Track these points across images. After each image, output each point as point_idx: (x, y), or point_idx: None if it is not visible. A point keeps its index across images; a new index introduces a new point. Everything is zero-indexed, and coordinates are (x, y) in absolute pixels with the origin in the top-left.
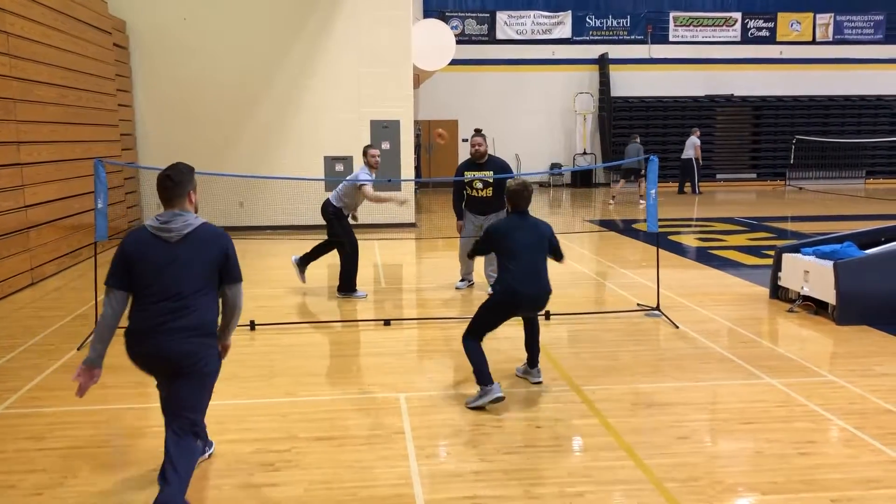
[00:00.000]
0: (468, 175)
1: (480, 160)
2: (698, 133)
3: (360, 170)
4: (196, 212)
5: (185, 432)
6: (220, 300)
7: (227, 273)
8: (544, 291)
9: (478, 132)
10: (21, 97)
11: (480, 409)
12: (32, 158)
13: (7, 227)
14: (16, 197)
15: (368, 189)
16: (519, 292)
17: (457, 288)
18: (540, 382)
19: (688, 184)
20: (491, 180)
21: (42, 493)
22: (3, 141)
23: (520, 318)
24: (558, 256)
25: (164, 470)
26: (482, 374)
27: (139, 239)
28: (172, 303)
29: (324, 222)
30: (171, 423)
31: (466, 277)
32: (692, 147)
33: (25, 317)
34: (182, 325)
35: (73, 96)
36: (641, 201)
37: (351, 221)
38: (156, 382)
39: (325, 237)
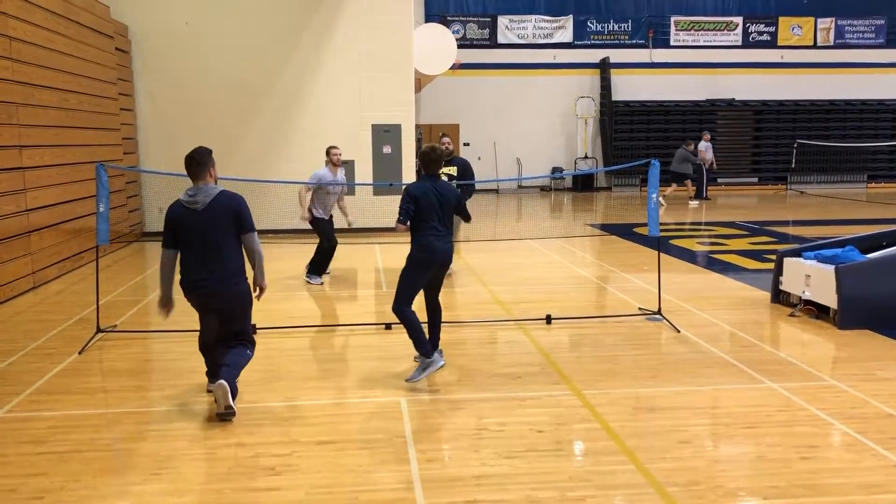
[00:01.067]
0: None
1: (447, 158)
2: (708, 137)
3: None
4: (216, 182)
5: (240, 344)
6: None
7: (241, 226)
8: (451, 248)
9: (444, 134)
10: (23, 101)
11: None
12: (34, 162)
13: (9, 230)
14: (18, 201)
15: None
16: (435, 247)
17: None
18: (442, 365)
19: (693, 188)
20: (455, 174)
21: (43, 497)
22: (6, 145)
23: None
24: (464, 215)
25: (212, 370)
26: (423, 344)
27: (180, 212)
28: (210, 256)
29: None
30: (226, 342)
31: None
32: (702, 153)
33: (27, 320)
34: (220, 272)
35: (74, 100)
36: (691, 202)
37: (346, 226)
38: (199, 316)
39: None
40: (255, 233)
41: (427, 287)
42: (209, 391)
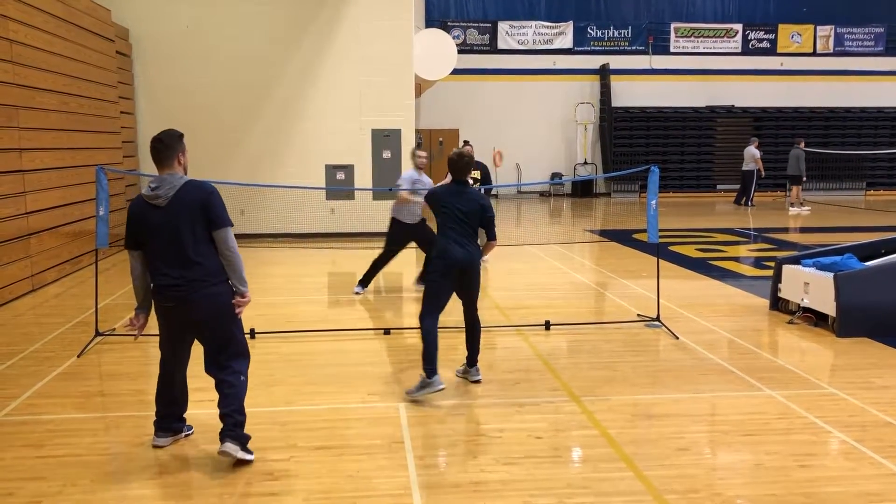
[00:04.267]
0: None
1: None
2: (757, 143)
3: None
4: (185, 172)
5: (231, 369)
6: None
7: (210, 221)
8: (472, 255)
9: (466, 142)
10: (24, 104)
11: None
12: (34, 165)
13: (8, 233)
14: (17, 203)
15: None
16: (452, 252)
17: None
18: (479, 381)
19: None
20: (479, 177)
21: (41, 501)
22: (6, 148)
23: (464, 321)
24: (490, 232)
25: (166, 417)
26: (428, 361)
27: (141, 206)
28: (179, 258)
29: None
30: (216, 362)
31: None
32: (752, 158)
33: (25, 324)
34: (193, 275)
35: (75, 103)
36: (792, 209)
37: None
38: (166, 338)
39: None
40: (229, 228)
41: (463, 301)
42: (155, 446)
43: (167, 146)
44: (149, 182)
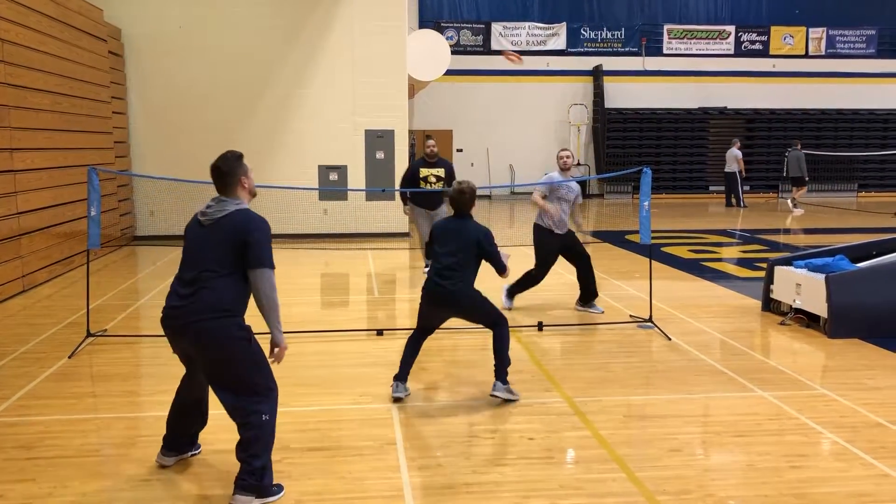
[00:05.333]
0: (423, 172)
1: (432, 160)
2: (738, 144)
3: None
4: (251, 196)
5: (247, 417)
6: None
7: (247, 258)
8: (451, 291)
9: (429, 136)
10: (15, 104)
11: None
12: (26, 165)
13: None
14: (8, 204)
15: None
16: (428, 284)
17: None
18: (510, 400)
19: (733, 196)
20: (443, 175)
21: (31, 503)
22: None
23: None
24: (497, 266)
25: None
26: (401, 369)
27: (190, 224)
28: (193, 280)
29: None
30: (232, 413)
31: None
32: (734, 160)
33: (16, 324)
34: (198, 302)
35: (67, 103)
36: (794, 210)
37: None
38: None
39: None
40: (270, 271)
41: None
42: (158, 463)
43: (225, 173)
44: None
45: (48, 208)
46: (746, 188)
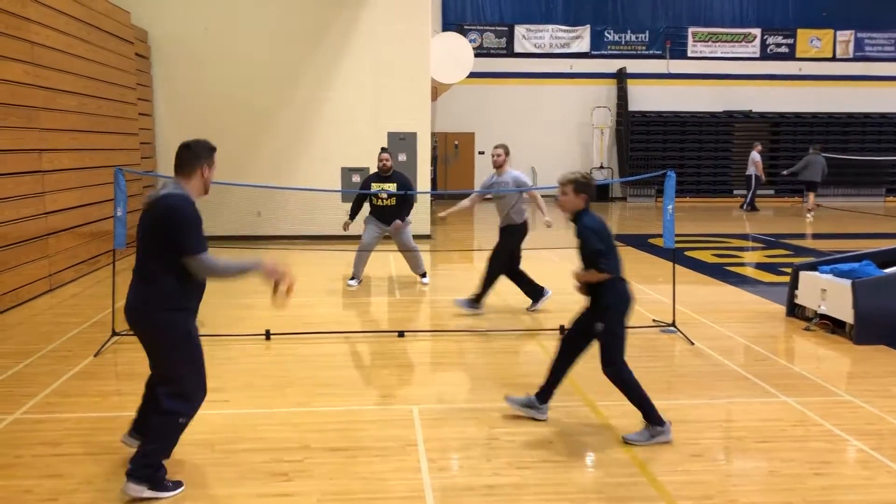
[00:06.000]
0: (374, 187)
1: (386, 174)
2: (759, 148)
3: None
4: (204, 191)
5: (166, 398)
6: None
7: (177, 247)
8: None
9: (384, 149)
10: (44, 105)
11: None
12: (53, 166)
13: (27, 233)
14: (36, 204)
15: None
16: (631, 296)
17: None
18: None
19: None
20: (394, 190)
21: (57, 499)
22: (26, 148)
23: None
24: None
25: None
26: (650, 410)
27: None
28: (135, 270)
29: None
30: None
31: (357, 276)
32: (752, 163)
33: (43, 323)
34: (134, 294)
35: (94, 105)
36: (808, 215)
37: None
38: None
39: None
40: (202, 256)
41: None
42: (123, 441)
43: (193, 155)
44: None
45: (75, 208)
46: (771, 192)
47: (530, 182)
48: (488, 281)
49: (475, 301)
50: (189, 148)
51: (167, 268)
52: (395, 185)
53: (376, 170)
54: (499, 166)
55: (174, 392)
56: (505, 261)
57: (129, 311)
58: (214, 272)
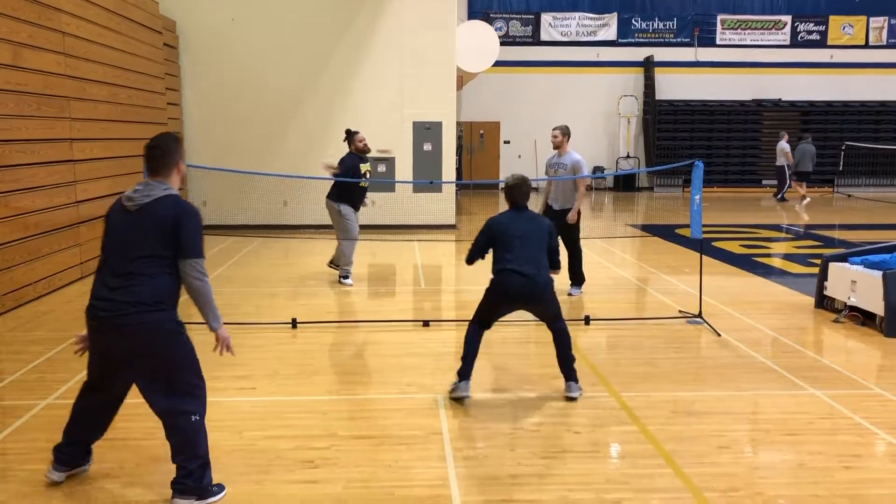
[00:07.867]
0: (362, 167)
1: (364, 154)
2: (787, 137)
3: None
4: (182, 184)
5: (179, 414)
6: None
7: (177, 247)
8: (537, 284)
9: (356, 132)
10: (75, 95)
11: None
12: (84, 155)
13: (59, 222)
14: (68, 193)
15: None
16: (507, 283)
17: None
18: (574, 398)
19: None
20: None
21: (90, 484)
22: (58, 138)
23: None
24: (554, 259)
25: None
26: (464, 364)
27: (113, 208)
28: (122, 272)
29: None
30: (159, 413)
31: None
32: (782, 153)
33: (75, 309)
34: (128, 296)
35: (124, 95)
36: (802, 202)
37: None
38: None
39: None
40: (199, 261)
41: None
42: (50, 480)
43: (164, 152)
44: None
45: (106, 197)
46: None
47: (587, 168)
48: (577, 262)
49: (578, 285)
50: (159, 148)
51: (171, 267)
52: (367, 164)
53: (352, 151)
54: (558, 147)
55: (188, 392)
56: (576, 236)
57: (112, 315)
58: (203, 280)
